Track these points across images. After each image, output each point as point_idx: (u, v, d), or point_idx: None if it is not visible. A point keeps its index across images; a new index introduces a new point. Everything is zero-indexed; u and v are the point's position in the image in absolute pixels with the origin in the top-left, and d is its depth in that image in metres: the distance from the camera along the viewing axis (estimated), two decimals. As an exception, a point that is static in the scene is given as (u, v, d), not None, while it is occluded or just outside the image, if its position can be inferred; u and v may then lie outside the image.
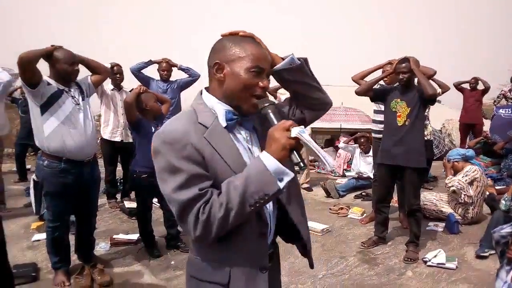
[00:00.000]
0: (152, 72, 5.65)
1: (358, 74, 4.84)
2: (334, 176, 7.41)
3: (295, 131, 1.07)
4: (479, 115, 8.26)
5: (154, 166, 1.18)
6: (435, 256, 3.75)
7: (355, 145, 6.78)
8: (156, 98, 3.98)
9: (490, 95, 9.35)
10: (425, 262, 3.73)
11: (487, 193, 5.03)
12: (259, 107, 1.21)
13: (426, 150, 3.94)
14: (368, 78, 4.77)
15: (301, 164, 1.10)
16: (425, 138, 5.88)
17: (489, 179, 5.95)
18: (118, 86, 5.18)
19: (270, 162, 1.08)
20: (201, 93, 1.29)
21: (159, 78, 5.62)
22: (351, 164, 7.22)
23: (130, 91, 5.43)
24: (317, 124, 8.11)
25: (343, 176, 7.27)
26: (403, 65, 3.73)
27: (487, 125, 8.22)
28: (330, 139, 9.64)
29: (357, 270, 3.66)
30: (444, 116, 11.60)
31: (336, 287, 3.35)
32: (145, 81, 5.43)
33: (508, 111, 6.58)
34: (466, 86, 8.30)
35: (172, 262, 3.77)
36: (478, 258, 3.79)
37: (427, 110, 6.02)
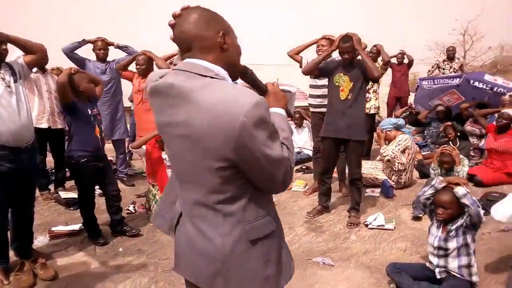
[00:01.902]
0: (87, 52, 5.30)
1: (293, 49, 4.93)
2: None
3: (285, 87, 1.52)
4: (407, 88, 8.77)
5: (259, 136, 1.13)
6: (375, 219, 4.02)
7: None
8: (90, 79, 3.74)
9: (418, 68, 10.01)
10: (367, 225, 3.99)
11: (417, 159, 5.46)
12: (248, 73, 1.39)
13: (371, 122, 4.14)
14: (304, 54, 4.92)
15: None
16: (372, 112, 6.34)
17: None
18: (42, 69, 4.76)
19: (283, 112, 1.38)
20: (205, 65, 1.23)
21: (95, 58, 5.29)
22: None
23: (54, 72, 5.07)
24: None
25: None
26: (347, 44, 3.79)
27: (411, 96, 8.82)
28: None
29: (305, 239, 3.81)
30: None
31: (287, 256, 3.47)
32: (79, 62, 5.08)
33: (430, 82, 7.11)
34: (393, 60, 8.80)
35: (120, 249, 3.64)
36: (413, 219, 4.13)
37: (376, 87, 6.37)
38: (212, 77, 1.19)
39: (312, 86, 4.98)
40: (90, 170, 3.47)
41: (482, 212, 2.62)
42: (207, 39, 1.22)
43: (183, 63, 1.25)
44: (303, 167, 6.22)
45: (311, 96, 5.00)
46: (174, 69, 1.25)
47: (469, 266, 2.72)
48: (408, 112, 8.29)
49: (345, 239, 3.78)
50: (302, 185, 5.24)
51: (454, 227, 2.73)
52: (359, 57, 3.89)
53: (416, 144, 6.73)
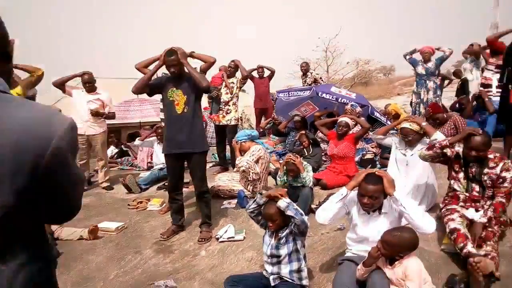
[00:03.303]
0: None
1: (141, 62, 4.73)
2: (138, 170, 7.20)
3: None
4: (269, 100, 9.22)
5: (69, 158, 1.02)
6: (226, 231, 4.00)
7: (152, 138, 6.74)
8: None
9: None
10: (218, 239, 3.95)
11: (273, 167, 5.67)
12: None
13: (234, 134, 4.07)
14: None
15: None
16: (232, 123, 6.40)
17: (272, 154, 6.76)
18: None
19: None
20: None
21: None
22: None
23: None
24: (116, 121, 7.78)
25: (149, 169, 7.13)
26: (172, 58, 3.73)
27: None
28: (132, 134, 9.36)
29: (152, 262, 3.61)
30: (244, 103, 12.70)
31: (127, 284, 3.22)
32: None
33: (286, 94, 7.55)
34: (255, 74, 9.17)
35: None
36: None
37: (235, 99, 6.45)
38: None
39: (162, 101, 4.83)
40: None
41: (306, 218, 2.74)
42: None
43: None
44: (165, 183, 6.00)
45: (162, 110, 4.86)
46: None
47: (299, 270, 2.82)
48: (272, 123, 8.72)
49: (194, 256, 3.68)
50: (158, 204, 5.02)
51: (284, 234, 2.81)
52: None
53: (277, 153, 7.08)
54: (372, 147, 6.46)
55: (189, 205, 4.86)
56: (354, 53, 30.06)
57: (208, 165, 7.35)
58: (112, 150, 8.29)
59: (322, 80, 9.26)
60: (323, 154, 6.33)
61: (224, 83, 6.56)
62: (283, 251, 2.80)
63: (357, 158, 5.91)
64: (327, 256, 3.45)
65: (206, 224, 4.07)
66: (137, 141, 7.22)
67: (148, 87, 3.88)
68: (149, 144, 6.83)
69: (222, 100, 6.54)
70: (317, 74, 9.61)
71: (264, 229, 3.01)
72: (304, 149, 6.26)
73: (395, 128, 4.74)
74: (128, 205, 5.12)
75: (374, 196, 2.67)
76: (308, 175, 4.63)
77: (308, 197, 4.47)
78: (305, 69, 9.18)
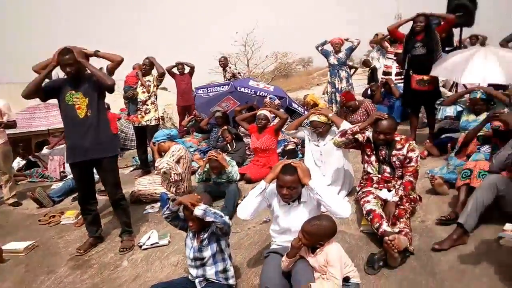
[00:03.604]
0: None
1: (38, 64, 4.32)
2: (50, 181, 6.63)
3: None
4: (192, 97, 9.02)
5: None
6: (149, 237, 3.81)
7: (63, 145, 6.26)
8: None
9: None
10: (141, 246, 3.74)
11: (196, 166, 5.54)
12: None
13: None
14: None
15: None
16: (153, 124, 6.12)
17: (195, 153, 6.63)
18: None
19: None
20: None
21: None
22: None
23: None
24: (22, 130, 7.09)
25: (62, 179, 6.60)
26: (67, 57, 3.41)
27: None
28: (41, 142, 8.61)
29: (68, 280, 3.32)
30: (166, 101, 12.31)
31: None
32: None
33: (204, 90, 7.43)
34: (176, 71, 8.92)
35: None
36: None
37: (154, 98, 6.16)
38: None
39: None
40: None
41: (227, 218, 2.67)
42: None
43: None
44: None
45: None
46: None
47: (225, 271, 2.75)
48: (194, 121, 8.54)
49: (115, 268, 3.45)
50: (73, 216, 4.61)
51: (206, 235, 2.71)
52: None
53: (200, 150, 6.94)
54: (293, 138, 6.60)
55: (108, 213, 4.57)
56: (273, 47, 30.75)
57: (129, 169, 7.03)
58: (18, 163, 7.54)
59: (240, 75, 9.27)
60: (246, 148, 6.34)
61: (139, 82, 6.28)
62: (207, 253, 2.71)
63: (279, 150, 5.99)
64: (254, 250, 3.42)
65: (126, 233, 3.84)
66: (45, 150, 6.63)
67: (41, 91, 3.48)
68: (60, 152, 6.31)
69: (139, 100, 6.26)
70: (235, 68, 9.62)
71: (185, 232, 2.89)
72: (228, 145, 6.22)
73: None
74: (39, 220, 4.67)
75: (292, 186, 2.68)
76: (233, 169, 4.60)
77: (235, 193, 4.44)
78: (223, 63, 9.12)
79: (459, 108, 5.14)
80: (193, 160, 5.62)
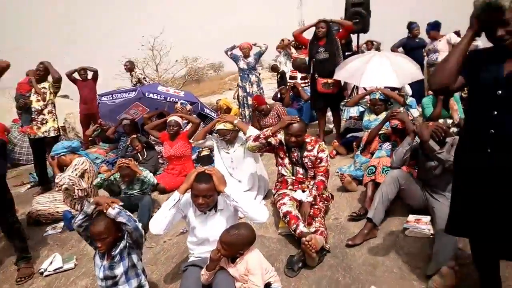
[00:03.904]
0: None
1: None
2: None
3: None
4: (96, 104, 8.42)
5: None
6: (51, 262, 3.42)
7: None
8: None
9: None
10: (42, 273, 3.35)
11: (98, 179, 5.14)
12: None
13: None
14: None
15: None
16: (52, 135, 5.52)
17: (101, 165, 6.19)
18: None
19: None
20: None
21: None
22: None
23: None
24: None
25: None
26: None
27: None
28: None
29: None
30: (67, 110, 11.35)
31: None
32: None
33: (109, 97, 6.97)
34: (77, 76, 8.28)
35: None
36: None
37: (51, 107, 5.54)
38: None
39: None
40: None
41: (140, 225, 2.50)
42: None
43: None
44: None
45: None
46: None
47: (140, 287, 2.56)
48: (99, 130, 7.99)
49: (11, 302, 3.02)
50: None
51: (117, 251, 2.50)
52: None
53: (107, 162, 6.50)
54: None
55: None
56: (183, 51, 30.28)
57: (26, 187, 6.33)
58: None
59: (145, 80, 8.88)
60: (159, 156, 6.07)
61: (33, 90, 5.67)
62: (119, 270, 2.49)
63: (194, 156, 5.85)
64: (171, 265, 3.26)
65: (23, 259, 3.40)
66: None
67: None
68: None
69: (34, 109, 5.64)
70: (140, 73, 9.18)
71: (95, 249, 2.63)
72: (138, 154, 5.88)
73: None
74: None
75: (207, 195, 2.59)
76: (148, 174, 4.39)
77: (149, 204, 4.21)
78: (129, 68, 8.71)
79: (361, 109, 5.49)
80: (99, 173, 5.21)
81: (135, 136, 5.97)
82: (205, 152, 6.02)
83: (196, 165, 5.46)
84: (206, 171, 2.69)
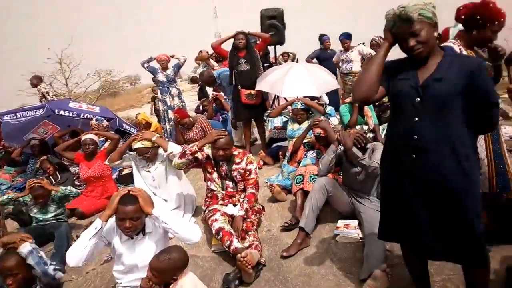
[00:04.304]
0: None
1: None
2: None
3: None
4: None
5: None
6: None
7: None
8: None
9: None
10: None
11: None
12: None
13: None
14: None
15: None
16: None
17: (8, 191, 5.57)
18: None
19: None
20: None
21: None
22: None
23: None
24: None
25: None
26: None
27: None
28: None
29: None
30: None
31: None
32: None
33: (13, 116, 6.29)
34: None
35: None
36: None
37: None
38: None
39: None
40: None
41: (51, 269, 2.23)
42: None
43: None
44: None
45: None
46: None
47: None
48: (3, 153, 7.17)
49: None
50: None
51: None
52: None
53: (15, 187, 5.86)
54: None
55: None
56: (95, 64, 28.69)
57: None
58: None
59: (49, 95, 8.07)
60: (74, 178, 5.59)
61: None
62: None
63: (115, 176, 5.49)
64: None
65: None
66: None
67: None
68: None
69: None
70: (44, 88, 8.35)
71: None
72: (50, 177, 5.35)
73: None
74: None
75: (135, 217, 2.40)
76: (68, 187, 4.08)
77: (67, 232, 3.86)
78: (34, 84, 7.96)
79: (284, 119, 5.60)
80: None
81: (45, 157, 5.42)
82: (126, 171, 5.68)
83: (119, 186, 5.12)
84: (130, 192, 2.49)
